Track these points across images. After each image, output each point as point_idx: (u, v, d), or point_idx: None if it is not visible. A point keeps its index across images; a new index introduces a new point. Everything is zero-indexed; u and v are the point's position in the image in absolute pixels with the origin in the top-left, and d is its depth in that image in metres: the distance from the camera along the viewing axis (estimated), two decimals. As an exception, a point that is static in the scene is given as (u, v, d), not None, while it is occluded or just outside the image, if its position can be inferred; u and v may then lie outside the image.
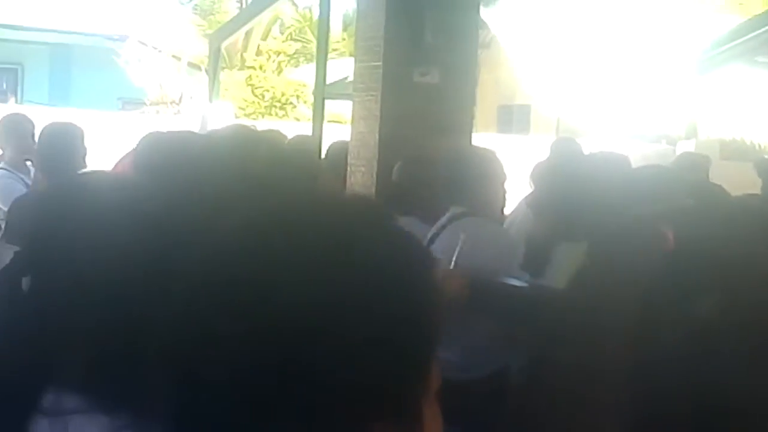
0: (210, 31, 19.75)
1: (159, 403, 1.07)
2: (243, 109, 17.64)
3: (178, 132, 3.84)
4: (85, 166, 5.35)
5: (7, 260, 3.45)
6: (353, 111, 5.51)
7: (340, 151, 5.53)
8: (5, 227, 4.98)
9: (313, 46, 20.87)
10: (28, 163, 6.16)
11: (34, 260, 1.71)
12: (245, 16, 10.64)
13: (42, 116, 6.77)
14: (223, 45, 9.29)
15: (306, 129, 9.20)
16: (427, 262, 1.08)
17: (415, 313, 1.01)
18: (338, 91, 7.36)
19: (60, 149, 5.39)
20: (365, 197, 1.25)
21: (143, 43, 18.73)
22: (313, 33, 20.99)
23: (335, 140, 5.92)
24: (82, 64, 21.59)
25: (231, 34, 9.58)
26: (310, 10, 21.86)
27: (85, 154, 5.47)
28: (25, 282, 1.69)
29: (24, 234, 3.27)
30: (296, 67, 20.68)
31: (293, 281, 0.96)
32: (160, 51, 17.69)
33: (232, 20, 13.09)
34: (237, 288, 0.97)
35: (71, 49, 22.04)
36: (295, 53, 21.15)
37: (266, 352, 0.95)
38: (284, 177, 3.13)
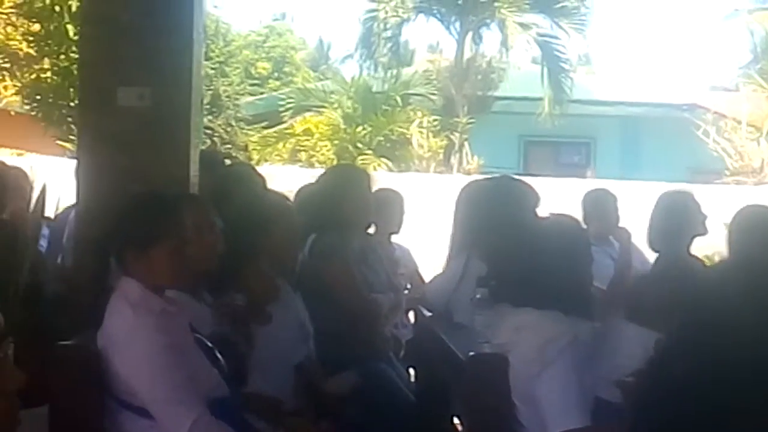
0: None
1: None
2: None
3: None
4: (705, 232, 5.22)
5: (623, 341, 3.50)
6: None
7: None
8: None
9: None
10: (610, 237, 6.28)
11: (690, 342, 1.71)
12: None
13: (614, 189, 6.92)
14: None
15: None
16: None
17: None
18: None
19: (677, 216, 5.27)
20: None
21: (721, 114, 18.48)
22: None
23: None
24: (652, 135, 21.84)
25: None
26: None
27: (704, 220, 5.32)
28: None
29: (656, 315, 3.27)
30: None
31: None
32: (738, 122, 17.37)
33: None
34: None
35: (641, 121, 22.41)
36: None
37: None
38: None
